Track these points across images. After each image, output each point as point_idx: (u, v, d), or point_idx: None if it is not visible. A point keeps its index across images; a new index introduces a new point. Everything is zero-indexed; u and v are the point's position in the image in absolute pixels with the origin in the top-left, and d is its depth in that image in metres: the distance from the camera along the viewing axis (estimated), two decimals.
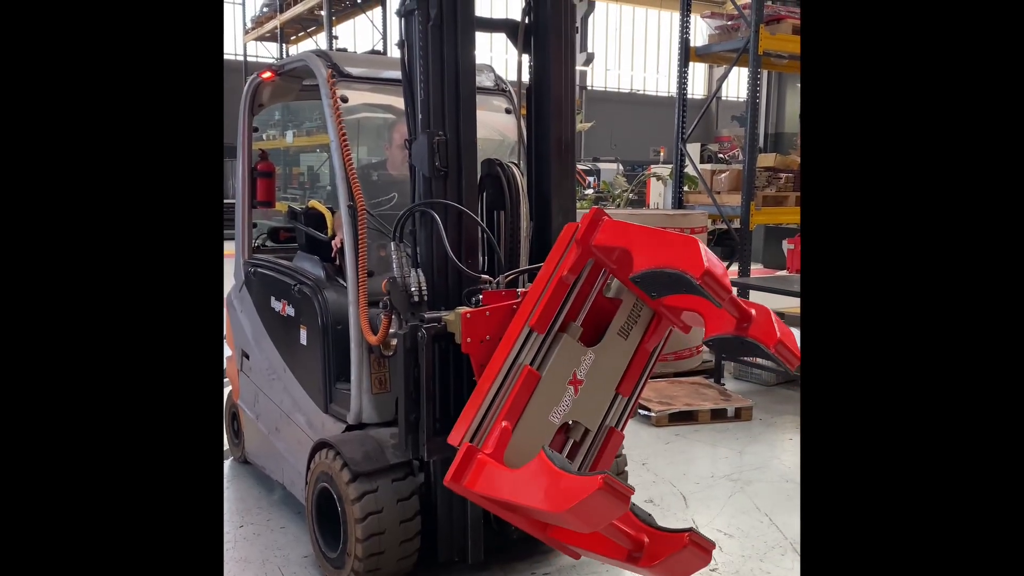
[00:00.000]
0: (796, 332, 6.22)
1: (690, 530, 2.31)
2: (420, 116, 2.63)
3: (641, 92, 30.34)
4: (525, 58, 2.86)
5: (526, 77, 2.88)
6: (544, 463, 2.01)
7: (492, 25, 2.88)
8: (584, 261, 2.41)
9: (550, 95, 2.78)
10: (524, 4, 2.81)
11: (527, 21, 2.82)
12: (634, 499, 2.07)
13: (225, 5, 21.16)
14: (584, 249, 2.37)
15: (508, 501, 2.18)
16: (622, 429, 2.65)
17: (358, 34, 19.74)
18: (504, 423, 2.31)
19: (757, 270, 11.83)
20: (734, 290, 2.22)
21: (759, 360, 5.84)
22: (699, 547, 2.29)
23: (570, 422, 2.49)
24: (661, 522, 2.35)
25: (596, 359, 2.48)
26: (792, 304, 6.90)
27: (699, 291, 2.09)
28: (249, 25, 19.07)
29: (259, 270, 3.71)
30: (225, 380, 4.27)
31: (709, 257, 2.10)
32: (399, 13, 2.66)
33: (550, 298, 2.37)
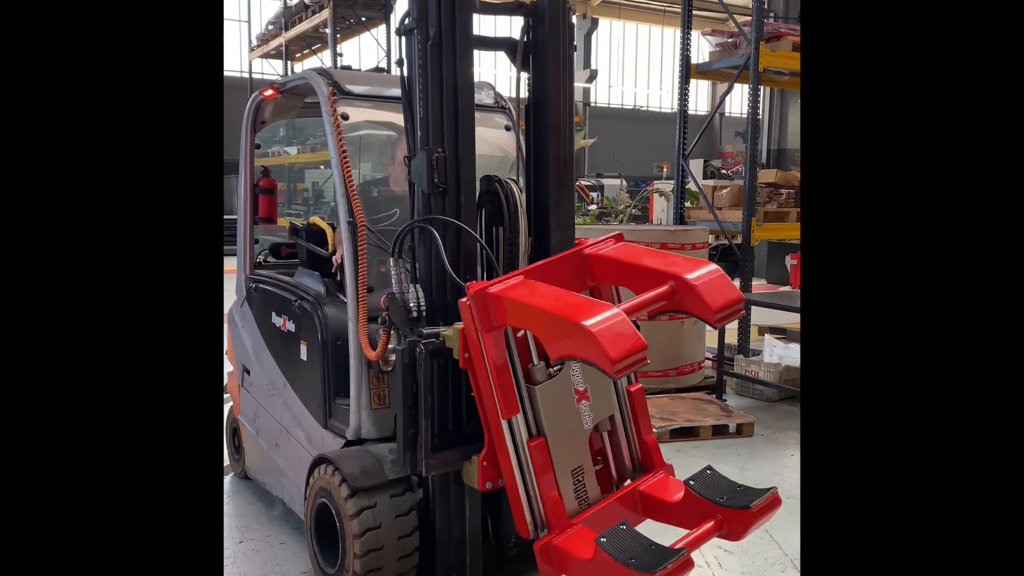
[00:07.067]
0: (796, 348, 6.11)
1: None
2: (419, 133, 2.65)
3: (644, 108, 30.46)
4: (524, 76, 2.88)
5: (525, 94, 2.90)
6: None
7: (491, 44, 2.90)
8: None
9: (548, 112, 2.80)
10: (523, 23, 2.84)
11: (525, 39, 2.84)
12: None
13: (231, 23, 21.35)
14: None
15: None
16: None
17: (363, 52, 19.88)
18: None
19: (760, 286, 11.82)
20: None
21: (760, 375, 5.84)
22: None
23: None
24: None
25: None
26: (794, 320, 6.89)
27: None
28: (254, 43, 19.19)
29: (260, 286, 3.72)
30: (226, 395, 4.28)
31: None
32: (399, 32, 2.69)
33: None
